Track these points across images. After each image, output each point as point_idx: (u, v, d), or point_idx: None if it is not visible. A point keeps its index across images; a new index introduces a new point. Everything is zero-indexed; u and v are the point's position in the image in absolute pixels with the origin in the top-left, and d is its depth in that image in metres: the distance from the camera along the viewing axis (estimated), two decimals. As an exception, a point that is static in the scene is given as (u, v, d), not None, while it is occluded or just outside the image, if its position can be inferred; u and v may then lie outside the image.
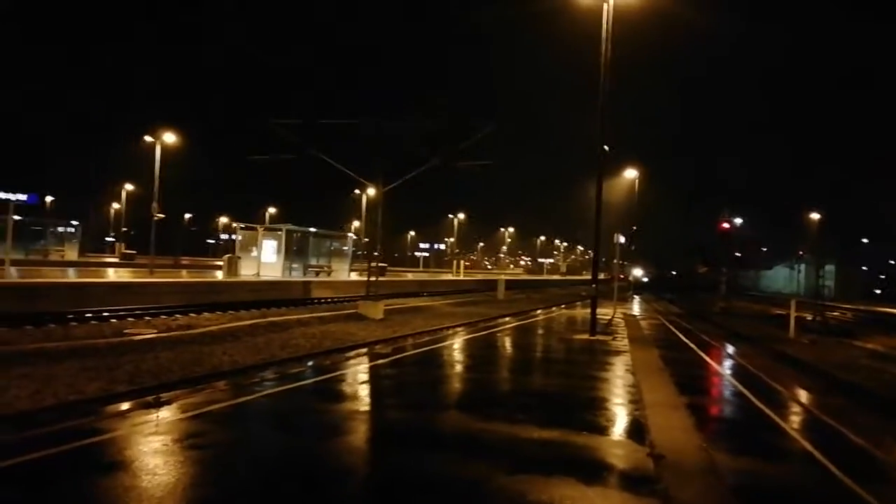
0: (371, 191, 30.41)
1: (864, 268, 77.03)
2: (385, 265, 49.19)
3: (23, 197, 19.98)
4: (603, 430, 6.70)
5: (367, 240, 51.42)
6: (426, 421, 6.95)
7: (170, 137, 32.04)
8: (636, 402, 8.16)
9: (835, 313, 36.55)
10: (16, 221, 21.98)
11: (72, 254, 44.89)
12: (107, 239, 74.72)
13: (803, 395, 10.56)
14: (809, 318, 27.80)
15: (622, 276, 35.75)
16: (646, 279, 46.89)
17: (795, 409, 9.28)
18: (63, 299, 17.79)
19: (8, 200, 19.42)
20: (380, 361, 11.06)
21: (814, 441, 6.79)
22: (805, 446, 6.66)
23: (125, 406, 7.18)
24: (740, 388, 10.13)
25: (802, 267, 66.68)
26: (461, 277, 58.61)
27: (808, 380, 12.77)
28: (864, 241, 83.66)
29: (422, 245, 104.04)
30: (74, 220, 48.70)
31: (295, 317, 19.19)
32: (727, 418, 8.41)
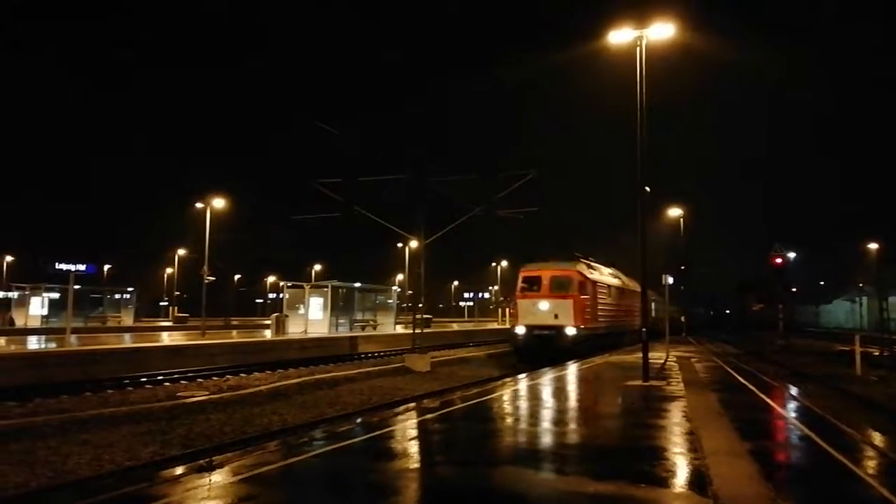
0: (413, 243, 30.71)
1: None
2: (430, 316, 49.20)
3: (82, 267, 21.06)
4: (662, 482, 6.43)
5: (410, 292, 51.63)
6: (477, 477, 6.80)
7: (219, 202, 33.25)
8: (695, 450, 7.82)
9: (904, 347, 34.70)
10: (76, 290, 22.98)
11: (128, 319, 46.42)
12: (161, 303, 77.13)
13: (877, 437, 9.96)
14: (876, 353, 26.49)
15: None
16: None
17: (869, 452, 8.73)
18: (120, 364, 18.34)
19: (69, 271, 20.39)
20: (428, 416, 10.94)
21: (893, 488, 6.36)
22: (884, 494, 6.24)
23: (179, 470, 7.25)
24: (806, 431, 9.62)
25: (864, 300, 63.85)
26: (507, 326, 57.97)
27: (880, 420, 12.09)
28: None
29: (466, 294, 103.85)
30: (130, 286, 50.56)
31: (342, 373, 19.27)
32: (795, 465, 7.96)
